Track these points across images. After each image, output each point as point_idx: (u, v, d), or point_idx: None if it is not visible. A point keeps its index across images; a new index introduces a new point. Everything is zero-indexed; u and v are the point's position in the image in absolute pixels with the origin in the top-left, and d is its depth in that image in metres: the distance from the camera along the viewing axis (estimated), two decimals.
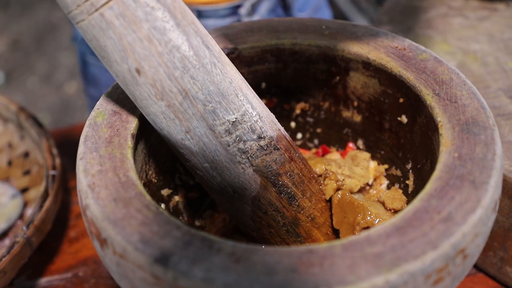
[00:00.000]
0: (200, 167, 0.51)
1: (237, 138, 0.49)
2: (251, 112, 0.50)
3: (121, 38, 0.44)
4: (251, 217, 0.54)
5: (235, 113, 0.49)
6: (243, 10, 0.98)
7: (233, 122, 0.49)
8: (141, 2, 0.44)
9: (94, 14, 0.43)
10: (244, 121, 0.49)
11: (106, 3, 0.43)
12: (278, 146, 0.52)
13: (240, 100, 0.49)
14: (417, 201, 0.42)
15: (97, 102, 0.53)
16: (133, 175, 0.46)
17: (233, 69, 0.49)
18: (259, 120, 0.50)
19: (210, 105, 0.47)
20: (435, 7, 0.91)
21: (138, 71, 0.45)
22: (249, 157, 0.50)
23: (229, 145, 0.49)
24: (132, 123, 0.51)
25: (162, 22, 0.44)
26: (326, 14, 1.19)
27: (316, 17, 0.62)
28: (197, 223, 0.61)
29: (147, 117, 0.49)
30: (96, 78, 1.13)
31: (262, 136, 0.50)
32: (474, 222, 0.40)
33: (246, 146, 0.50)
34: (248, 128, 0.49)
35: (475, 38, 0.82)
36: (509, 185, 0.59)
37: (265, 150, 0.51)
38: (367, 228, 0.53)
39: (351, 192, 0.56)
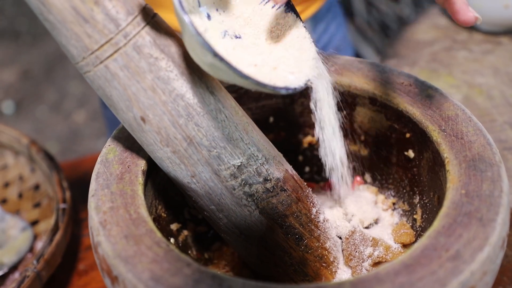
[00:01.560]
0: (207, 209, 0.52)
1: (243, 182, 0.50)
2: (257, 155, 0.50)
3: (125, 88, 0.45)
4: (258, 256, 0.54)
5: (240, 157, 0.49)
6: None
7: (238, 166, 0.49)
8: (144, 53, 0.44)
9: (99, 66, 0.44)
10: (250, 164, 0.50)
11: (111, 55, 0.44)
12: (285, 187, 0.52)
13: (246, 144, 0.49)
14: (425, 238, 0.42)
15: (108, 139, 0.54)
16: (143, 211, 0.46)
17: (238, 112, 0.50)
18: (265, 162, 0.50)
19: (215, 150, 0.48)
20: (440, 41, 0.93)
21: (143, 119, 0.46)
22: (255, 200, 0.51)
23: (234, 189, 0.50)
24: (143, 159, 0.51)
25: (166, 71, 0.45)
26: (348, 53, 1.18)
27: (331, 54, 0.63)
28: (206, 256, 0.62)
29: (155, 161, 0.50)
30: None
31: (268, 178, 0.51)
32: (483, 260, 0.40)
33: (252, 189, 0.50)
34: (254, 172, 0.50)
35: (480, 71, 0.83)
36: None
37: (271, 192, 0.51)
38: (378, 263, 0.54)
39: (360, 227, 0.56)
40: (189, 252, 0.60)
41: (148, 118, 0.46)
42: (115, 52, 0.44)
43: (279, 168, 0.52)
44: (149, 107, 0.46)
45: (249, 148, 0.49)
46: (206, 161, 0.48)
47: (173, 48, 0.46)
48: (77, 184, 0.86)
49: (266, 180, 0.51)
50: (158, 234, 0.44)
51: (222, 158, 0.48)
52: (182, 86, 0.46)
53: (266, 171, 0.51)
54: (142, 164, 0.51)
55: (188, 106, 0.46)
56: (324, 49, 1.08)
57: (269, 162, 0.51)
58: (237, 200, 0.50)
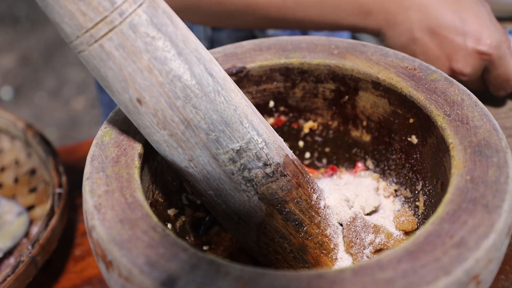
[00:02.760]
0: (205, 194, 0.50)
1: (242, 167, 0.48)
2: (257, 139, 0.49)
3: (121, 69, 0.44)
4: (257, 243, 0.53)
5: (240, 141, 0.48)
6: None
7: (237, 150, 0.48)
8: (141, 32, 0.43)
9: (93, 45, 0.43)
10: (249, 148, 0.48)
11: (105, 34, 0.42)
12: (285, 173, 0.51)
13: (245, 127, 0.48)
14: (428, 225, 0.41)
15: (104, 121, 0.52)
16: (139, 195, 0.45)
17: (238, 95, 0.48)
18: (265, 146, 0.49)
19: (213, 134, 0.47)
20: None
21: (139, 101, 0.45)
22: (254, 185, 0.49)
23: (233, 174, 0.48)
24: (140, 142, 0.50)
25: (163, 52, 0.44)
26: (344, 34, 1.18)
27: (333, 37, 0.61)
28: (204, 240, 0.61)
29: (152, 144, 0.49)
30: None
31: (268, 163, 0.49)
32: (488, 247, 0.39)
33: (251, 174, 0.49)
34: (253, 156, 0.49)
35: None
36: None
37: (271, 177, 0.50)
38: (380, 250, 0.53)
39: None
40: (187, 238, 0.59)
41: (144, 100, 0.45)
42: (110, 30, 0.43)
43: (279, 153, 0.51)
44: (146, 88, 0.44)
45: (249, 132, 0.48)
46: (204, 145, 0.47)
47: (170, 28, 0.45)
48: (74, 170, 0.85)
49: (265, 165, 0.49)
50: (154, 219, 0.43)
51: (220, 142, 0.47)
52: (179, 67, 0.45)
53: (266, 155, 0.49)
54: (138, 147, 0.50)
55: (186, 87, 0.45)
56: None
57: (269, 147, 0.50)
58: (236, 185, 0.49)
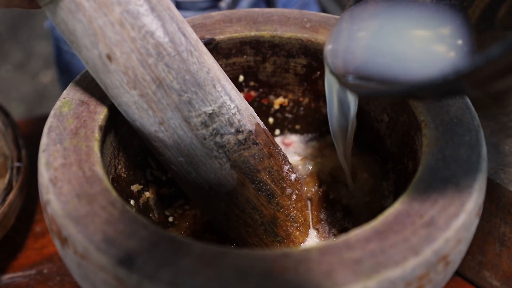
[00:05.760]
0: (174, 162, 0.49)
1: (214, 131, 0.47)
2: (229, 104, 0.47)
3: (91, 21, 0.42)
4: (227, 215, 0.52)
5: (212, 104, 0.46)
6: (223, 4, 0.96)
7: (210, 114, 0.46)
8: None
9: None
10: (222, 113, 0.47)
11: None
12: (257, 141, 0.49)
13: (218, 91, 0.46)
14: (398, 204, 0.40)
15: (64, 91, 0.50)
16: (99, 169, 0.43)
17: (210, 58, 0.47)
18: (237, 113, 0.48)
19: (186, 95, 0.45)
20: None
21: (109, 57, 0.43)
22: (226, 152, 0.48)
23: (205, 139, 0.47)
24: (101, 114, 0.48)
25: (136, 5, 0.42)
26: (314, 9, 1.16)
27: (306, 10, 0.60)
28: (167, 215, 0.59)
29: (119, 108, 0.47)
30: (70, 66, 1.09)
31: (240, 130, 0.48)
32: (458, 228, 0.38)
33: (223, 140, 0.47)
34: (226, 121, 0.47)
35: None
36: (490, 187, 0.58)
37: (243, 144, 0.48)
38: (346, 228, 0.52)
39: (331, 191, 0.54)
40: (151, 215, 0.57)
41: (114, 56, 0.43)
42: None
43: (251, 121, 0.49)
44: (117, 43, 0.42)
45: (221, 96, 0.47)
46: (176, 106, 0.45)
47: None
48: (38, 144, 0.81)
49: (238, 131, 0.48)
50: (114, 194, 0.41)
51: (193, 104, 0.45)
52: (152, 22, 0.43)
53: (238, 122, 0.48)
54: (99, 119, 0.47)
55: (159, 45, 0.43)
56: (287, 4, 1.05)
57: (241, 113, 0.48)
58: (208, 151, 0.47)
